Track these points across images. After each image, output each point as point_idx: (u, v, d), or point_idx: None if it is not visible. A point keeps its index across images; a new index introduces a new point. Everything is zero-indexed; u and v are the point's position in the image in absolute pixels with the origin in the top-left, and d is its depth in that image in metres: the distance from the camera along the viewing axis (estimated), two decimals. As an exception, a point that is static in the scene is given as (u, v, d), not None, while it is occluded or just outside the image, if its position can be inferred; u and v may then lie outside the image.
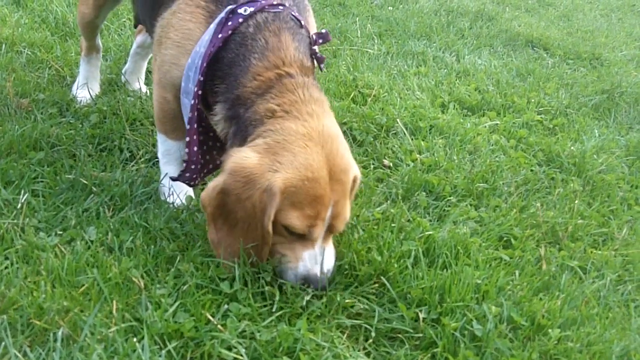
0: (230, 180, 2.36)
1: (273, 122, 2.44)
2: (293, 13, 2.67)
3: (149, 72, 4.09)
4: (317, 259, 2.45)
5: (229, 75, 2.58)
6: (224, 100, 2.60)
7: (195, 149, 2.62)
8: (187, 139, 2.64)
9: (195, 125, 2.61)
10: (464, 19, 6.67)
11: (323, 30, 2.74)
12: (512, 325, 2.47)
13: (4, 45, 4.06)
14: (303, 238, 2.44)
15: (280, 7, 2.64)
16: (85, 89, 3.73)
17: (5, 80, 3.59)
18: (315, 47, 2.69)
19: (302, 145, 2.38)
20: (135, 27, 3.75)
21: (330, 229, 2.47)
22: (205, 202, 2.42)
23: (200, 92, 2.57)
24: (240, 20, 2.58)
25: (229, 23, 2.58)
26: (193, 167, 2.67)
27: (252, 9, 2.59)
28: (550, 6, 8.25)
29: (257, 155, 2.37)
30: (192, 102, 2.58)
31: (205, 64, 2.55)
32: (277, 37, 2.57)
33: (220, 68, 2.60)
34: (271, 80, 2.52)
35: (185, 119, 2.67)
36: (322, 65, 2.73)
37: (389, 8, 6.56)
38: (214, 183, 2.41)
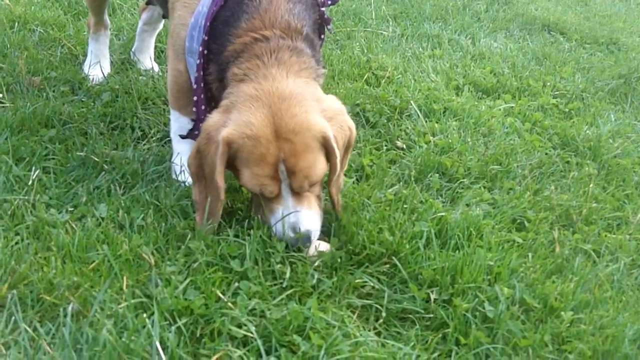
0: (200, 139, 2.53)
1: (233, 85, 2.55)
2: None
3: (160, 51, 4.07)
4: (285, 219, 2.48)
5: (222, 35, 2.62)
6: (215, 60, 2.65)
7: (203, 107, 2.67)
8: (195, 98, 2.69)
9: (202, 84, 2.63)
10: (480, 2, 6.60)
11: None
12: (524, 308, 2.45)
13: (16, 24, 4.06)
14: (270, 200, 2.50)
15: None
16: (97, 67, 3.72)
17: (18, 58, 3.58)
18: (324, 9, 2.68)
19: (248, 105, 2.45)
20: (147, 4, 3.73)
21: (293, 189, 2.47)
22: (189, 163, 2.57)
23: (205, 52, 2.59)
24: None
25: None
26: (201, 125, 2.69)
27: None
28: (567, -10, 8.15)
29: (216, 115, 2.52)
30: (198, 61, 2.61)
31: (208, 23, 2.59)
32: None
33: (217, 27, 2.63)
34: (245, 45, 2.58)
35: (192, 79, 2.72)
36: (329, 27, 2.77)
37: (404, -10, 6.49)
38: (195, 145, 2.56)
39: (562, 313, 2.42)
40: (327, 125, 2.49)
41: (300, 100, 2.47)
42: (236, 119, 2.44)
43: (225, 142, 2.41)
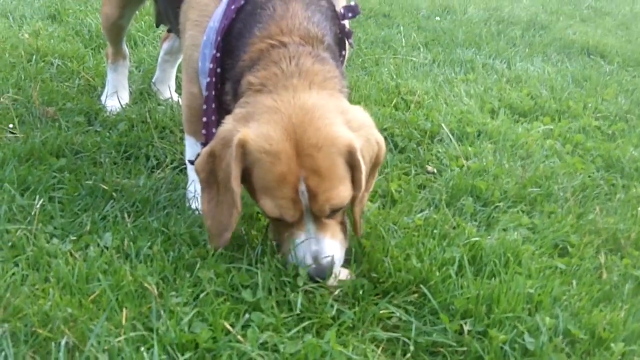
0: (215, 143, 2.32)
1: (250, 95, 2.33)
2: None
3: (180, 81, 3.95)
4: (305, 247, 2.27)
5: (235, 49, 2.43)
6: (230, 77, 2.44)
7: (214, 130, 2.44)
8: (204, 119, 2.48)
9: (213, 105, 2.44)
10: (515, 28, 6.41)
11: (352, 3, 2.54)
12: (569, 339, 2.20)
13: (34, 57, 3.98)
14: (289, 225, 2.28)
15: None
16: (114, 98, 3.60)
17: (32, 90, 3.48)
18: (345, 22, 2.50)
19: (266, 118, 2.24)
20: (157, 26, 3.62)
21: (314, 211, 2.25)
22: (198, 168, 2.36)
23: (218, 70, 2.41)
24: None
25: None
26: None
27: None
28: (607, 15, 7.93)
29: (231, 121, 2.31)
30: (208, 79, 2.42)
31: (220, 38, 2.40)
32: (286, 4, 2.40)
33: (229, 41, 2.44)
34: (261, 52, 2.37)
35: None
36: (350, 40, 2.56)
37: (436, 18, 6.34)
38: (206, 149, 2.35)
39: (612, 344, 2.17)
40: (352, 136, 2.27)
41: (323, 113, 2.26)
42: (254, 129, 2.23)
43: (240, 145, 2.20)
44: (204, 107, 2.47)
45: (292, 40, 2.37)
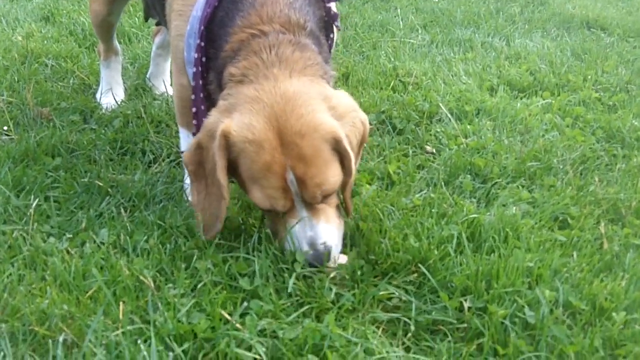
0: (201, 135, 2.32)
1: (232, 86, 2.33)
2: None
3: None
4: (301, 234, 2.26)
5: (218, 38, 2.41)
6: (213, 67, 2.42)
7: (204, 119, 2.41)
8: (194, 109, 2.47)
9: (202, 95, 2.43)
10: (514, 5, 6.33)
11: None
12: (570, 311, 2.18)
13: (27, 58, 3.97)
14: (281, 213, 2.28)
15: None
16: (109, 94, 3.59)
17: (26, 91, 3.47)
18: (331, 4, 2.48)
19: (249, 108, 2.22)
20: (146, 20, 3.60)
21: (305, 198, 2.23)
22: (187, 160, 2.37)
23: (204, 59, 2.39)
24: None
25: None
26: None
27: None
28: (606, -13, 7.83)
29: (215, 113, 2.31)
30: (194, 69, 2.41)
31: (203, 27, 2.39)
32: None
33: (212, 30, 2.43)
34: (242, 42, 2.35)
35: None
36: (337, 23, 2.54)
37: (434, 0, 6.29)
38: (193, 141, 2.36)
39: (614, 314, 2.15)
40: (337, 125, 2.26)
41: (306, 100, 2.24)
42: (237, 119, 2.22)
43: (223, 135, 2.20)
44: (192, 97, 2.46)
45: (273, 28, 2.35)
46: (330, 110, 2.27)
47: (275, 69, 2.29)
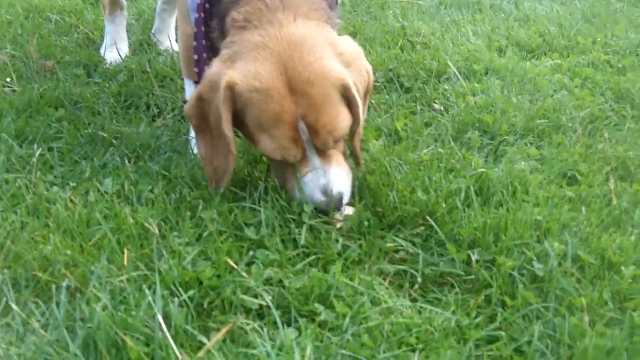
0: (202, 87, 2.27)
1: (234, 33, 2.27)
2: None
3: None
4: (313, 182, 2.23)
5: None
6: (215, 13, 2.37)
7: (206, 68, 2.37)
8: (195, 56, 2.43)
9: (204, 42, 2.38)
10: (523, -32, 6.25)
11: None
12: (578, 264, 2.15)
13: (31, 13, 3.92)
14: (292, 163, 2.24)
15: None
16: (113, 49, 3.55)
17: (30, 44, 3.43)
18: None
19: (254, 55, 2.17)
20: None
21: (317, 147, 2.20)
22: (188, 113, 2.32)
23: (207, 5, 2.35)
24: None
25: None
26: None
27: None
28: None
29: (217, 63, 2.25)
30: (197, 15, 2.36)
31: None
32: None
33: None
34: None
35: None
36: None
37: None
38: (193, 93, 2.30)
39: (622, 268, 2.12)
40: (345, 72, 2.22)
41: (312, 46, 2.19)
42: (242, 68, 2.17)
43: (228, 87, 2.15)
44: (194, 43, 2.42)
45: None
46: (337, 57, 2.23)
47: (279, 13, 2.23)
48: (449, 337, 1.86)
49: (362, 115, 2.27)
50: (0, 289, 1.94)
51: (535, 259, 2.11)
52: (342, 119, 2.21)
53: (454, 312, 1.97)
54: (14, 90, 3.06)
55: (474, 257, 2.14)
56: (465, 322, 1.92)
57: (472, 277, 2.10)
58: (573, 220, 2.33)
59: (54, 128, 2.75)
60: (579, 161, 2.74)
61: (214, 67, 2.25)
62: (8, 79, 3.09)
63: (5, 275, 1.97)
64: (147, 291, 1.84)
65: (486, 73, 3.64)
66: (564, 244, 2.18)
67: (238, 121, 2.23)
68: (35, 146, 2.55)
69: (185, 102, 2.73)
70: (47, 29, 3.78)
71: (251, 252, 2.08)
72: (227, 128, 2.19)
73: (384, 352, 1.79)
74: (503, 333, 1.89)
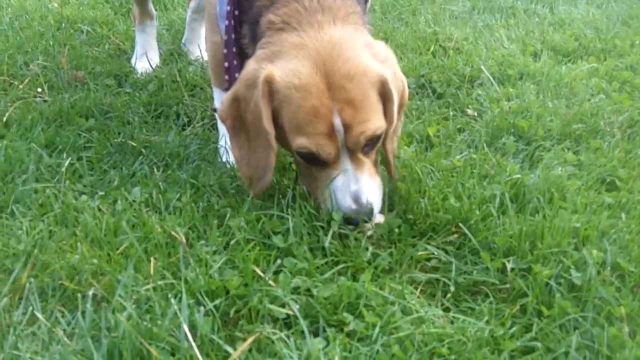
0: (237, 87, 2.25)
1: (272, 34, 2.25)
2: None
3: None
4: (344, 188, 2.18)
5: None
6: (247, 19, 2.35)
7: (237, 75, 2.35)
8: (226, 64, 2.41)
9: (234, 49, 2.36)
10: (558, -27, 6.16)
11: None
12: (618, 272, 2.07)
13: (63, 24, 3.95)
14: (322, 169, 2.19)
15: None
16: (144, 59, 3.56)
17: (61, 55, 3.45)
18: None
19: (294, 54, 2.15)
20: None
21: (349, 147, 2.16)
22: (222, 115, 2.30)
23: (236, 12, 2.33)
24: None
25: None
26: None
27: None
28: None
29: (253, 63, 2.23)
30: (227, 22, 2.34)
31: None
32: None
33: None
34: None
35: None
36: None
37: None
38: (228, 94, 2.28)
39: (665, 276, 2.04)
40: (382, 67, 2.20)
41: (351, 45, 2.18)
42: (281, 66, 2.15)
43: (267, 82, 2.13)
44: (225, 51, 2.40)
45: None
46: (373, 57, 2.21)
47: (318, 16, 2.22)
48: (483, 347, 1.80)
49: (395, 112, 2.23)
50: (27, 298, 1.92)
51: (572, 267, 2.05)
52: (376, 120, 2.18)
53: (487, 322, 1.91)
54: (45, 101, 3.07)
55: (509, 266, 2.08)
56: (499, 332, 1.86)
57: (507, 286, 2.03)
58: (612, 227, 2.25)
59: (83, 138, 2.75)
60: (618, 166, 2.66)
61: (250, 66, 2.23)
62: (39, 90, 3.10)
63: (32, 284, 1.95)
64: (173, 300, 1.81)
65: (521, 78, 3.57)
66: (603, 252, 2.11)
67: (272, 120, 2.20)
68: (65, 155, 2.55)
69: (214, 109, 2.71)
70: (78, 40, 3.80)
71: (279, 261, 2.04)
72: (268, 123, 2.16)
73: (415, 363, 1.74)
74: (539, 344, 1.83)
